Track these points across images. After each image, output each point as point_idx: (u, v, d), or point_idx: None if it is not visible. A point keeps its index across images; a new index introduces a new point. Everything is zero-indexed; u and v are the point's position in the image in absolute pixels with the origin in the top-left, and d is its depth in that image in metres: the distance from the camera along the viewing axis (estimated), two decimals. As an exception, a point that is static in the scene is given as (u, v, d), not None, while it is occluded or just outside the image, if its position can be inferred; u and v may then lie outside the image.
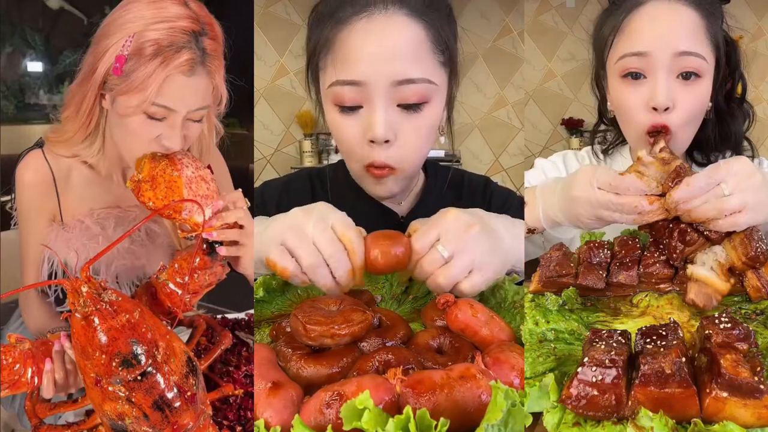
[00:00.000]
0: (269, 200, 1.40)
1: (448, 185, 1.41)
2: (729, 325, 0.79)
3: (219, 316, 1.19)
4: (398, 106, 1.14)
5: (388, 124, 1.13)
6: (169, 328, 0.87)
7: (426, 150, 1.26)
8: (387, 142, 1.15)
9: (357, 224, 1.37)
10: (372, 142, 1.15)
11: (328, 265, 0.98)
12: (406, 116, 1.15)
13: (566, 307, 1.01)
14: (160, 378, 0.80)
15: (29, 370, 0.87)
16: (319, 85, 1.21)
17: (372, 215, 1.36)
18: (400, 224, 1.37)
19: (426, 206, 1.38)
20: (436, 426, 0.65)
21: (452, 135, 1.31)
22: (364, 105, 1.14)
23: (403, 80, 1.11)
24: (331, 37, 1.14)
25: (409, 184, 1.33)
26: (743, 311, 1.01)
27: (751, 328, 0.79)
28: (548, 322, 0.96)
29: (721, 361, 0.72)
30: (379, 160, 1.17)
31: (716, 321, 0.80)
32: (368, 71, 1.11)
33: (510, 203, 1.40)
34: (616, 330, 0.82)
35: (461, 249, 0.99)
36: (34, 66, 4.20)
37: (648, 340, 0.78)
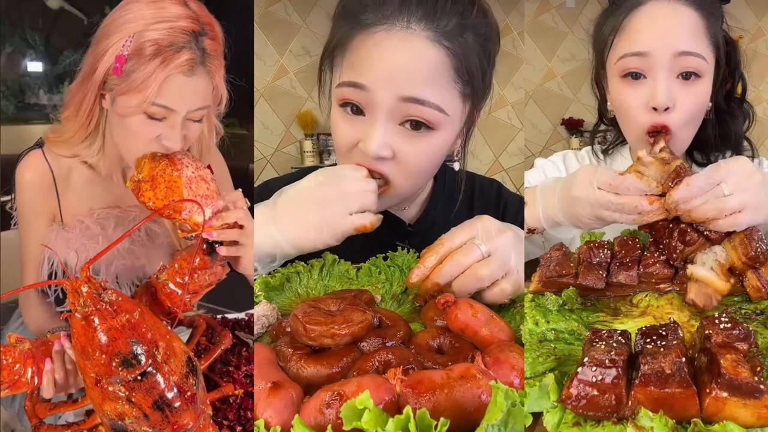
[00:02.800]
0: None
1: (459, 190, 1.35)
2: (729, 325, 0.79)
3: (219, 316, 1.19)
4: (401, 125, 1.08)
5: (385, 141, 1.07)
6: (169, 328, 0.87)
7: (428, 175, 1.20)
8: (382, 158, 1.09)
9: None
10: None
11: None
12: (409, 138, 1.09)
13: (566, 307, 1.01)
14: (160, 378, 0.80)
15: (29, 370, 0.87)
16: (329, 81, 1.16)
17: None
18: (408, 232, 1.34)
19: (435, 212, 1.35)
20: (436, 426, 0.65)
21: (466, 158, 1.24)
22: (366, 114, 1.08)
23: (410, 98, 1.05)
24: (348, 37, 1.09)
25: (410, 197, 1.27)
26: (743, 311, 1.01)
27: (751, 328, 0.79)
28: (548, 322, 0.96)
29: (721, 361, 0.72)
30: (371, 166, 1.10)
31: (716, 321, 0.80)
32: (375, 79, 1.05)
33: (524, 211, 1.37)
34: (616, 330, 0.82)
35: (498, 248, 0.99)
36: (34, 66, 4.20)
37: (648, 340, 0.78)
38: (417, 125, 1.08)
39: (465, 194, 1.37)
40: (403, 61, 1.04)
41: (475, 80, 1.11)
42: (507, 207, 1.40)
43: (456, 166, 1.31)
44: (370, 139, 1.07)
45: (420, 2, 1.05)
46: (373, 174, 1.10)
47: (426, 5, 1.05)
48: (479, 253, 0.99)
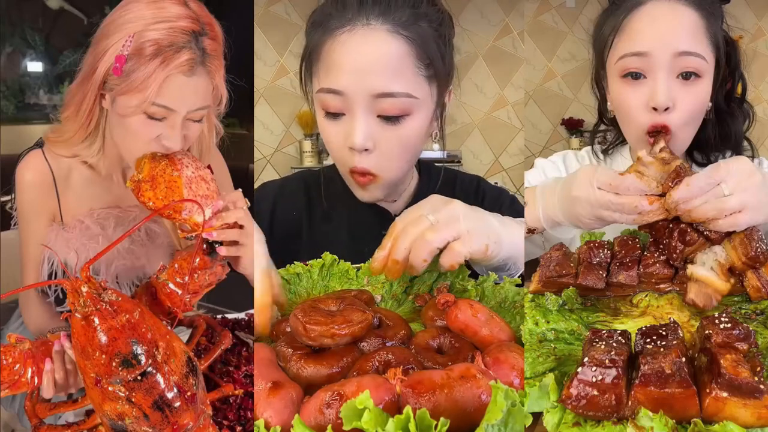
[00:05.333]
0: (264, 203, 1.41)
1: (442, 184, 1.44)
2: (729, 325, 0.79)
3: (219, 316, 1.19)
4: (379, 117, 1.17)
5: (367, 134, 1.17)
6: (169, 328, 0.87)
7: (410, 158, 1.29)
8: (366, 150, 1.19)
9: (351, 224, 1.40)
10: (352, 149, 1.19)
11: None
12: (387, 127, 1.18)
13: (566, 307, 1.01)
14: (160, 378, 0.80)
15: (29, 370, 0.87)
16: (310, 89, 1.25)
17: (365, 215, 1.37)
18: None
19: None
20: (436, 426, 0.65)
21: (444, 139, 1.33)
22: (346, 113, 1.18)
23: (381, 93, 1.15)
24: (319, 44, 1.18)
25: (397, 186, 1.36)
26: (743, 311, 1.01)
27: (751, 328, 0.79)
28: (548, 322, 0.96)
29: (721, 361, 0.72)
30: (359, 166, 1.21)
31: (716, 321, 0.80)
32: (348, 83, 1.15)
33: (502, 201, 1.44)
34: (616, 330, 0.82)
35: (445, 216, 1.02)
36: (34, 66, 4.19)
37: (648, 340, 0.78)
38: (393, 117, 1.17)
39: (447, 189, 1.44)
40: (369, 56, 1.14)
41: (435, 63, 1.20)
42: (485, 197, 1.46)
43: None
44: (354, 135, 1.18)
45: (375, 1, 1.15)
46: (362, 171, 1.21)
47: (381, 3, 1.15)
48: (428, 223, 1.02)
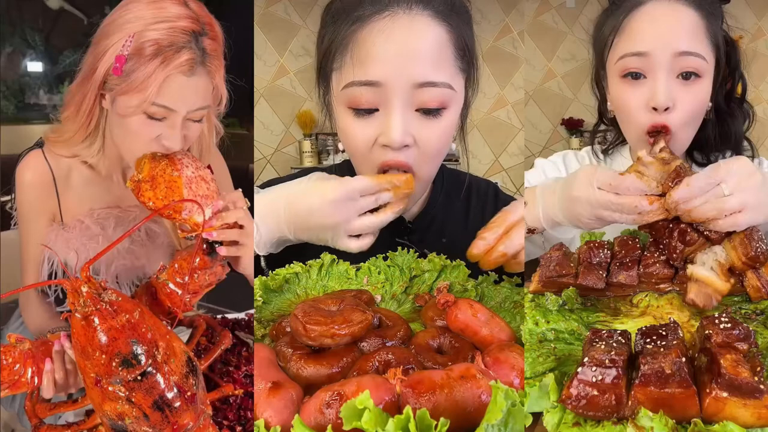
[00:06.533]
0: None
1: (457, 190, 1.39)
2: (729, 325, 0.79)
3: (219, 316, 1.19)
4: (416, 111, 1.10)
5: (406, 129, 1.10)
6: (169, 328, 0.87)
7: (443, 155, 1.23)
8: (406, 146, 1.11)
9: None
10: (386, 146, 1.11)
11: None
12: (425, 121, 1.11)
13: (566, 307, 1.01)
14: (160, 378, 0.80)
15: (29, 370, 0.87)
16: (330, 87, 1.17)
17: None
18: (407, 229, 1.36)
19: (434, 210, 1.37)
20: (436, 426, 0.65)
21: (465, 141, 1.28)
22: (380, 108, 1.10)
23: (424, 83, 1.08)
24: (348, 35, 1.10)
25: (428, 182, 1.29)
26: (743, 311, 1.01)
27: (751, 328, 0.79)
28: (548, 322, 0.96)
29: (721, 361, 0.72)
30: (395, 160, 1.12)
31: (716, 321, 0.80)
32: (388, 72, 1.07)
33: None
34: (616, 330, 0.82)
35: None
36: (34, 66, 4.20)
37: (648, 340, 0.78)
38: (433, 109, 1.11)
39: (463, 194, 1.40)
40: (413, 45, 1.08)
41: (469, 54, 1.17)
42: (498, 205, 1.42)
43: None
44: (392, 130, 1.09)
45: None
46: (398, 165, 1.13)
47: None
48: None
